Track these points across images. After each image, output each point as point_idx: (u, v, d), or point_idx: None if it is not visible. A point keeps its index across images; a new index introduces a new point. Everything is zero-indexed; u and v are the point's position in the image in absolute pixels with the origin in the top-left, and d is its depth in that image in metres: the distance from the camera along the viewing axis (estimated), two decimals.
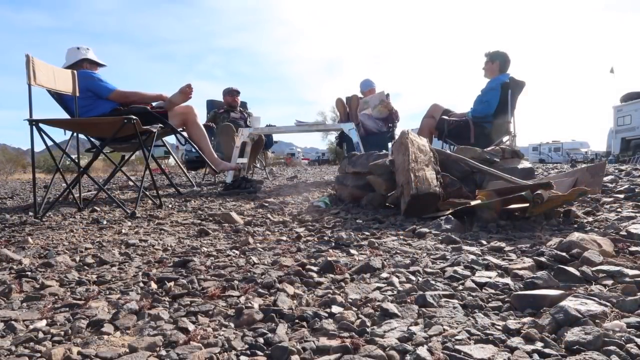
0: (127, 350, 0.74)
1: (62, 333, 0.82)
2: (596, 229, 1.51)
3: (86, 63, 3.56)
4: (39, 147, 2.68)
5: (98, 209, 2.58)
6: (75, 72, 3.07)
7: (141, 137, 2.67)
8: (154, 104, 3.70)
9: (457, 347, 0.69)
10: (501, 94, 4.00)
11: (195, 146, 3.72)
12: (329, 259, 1.23)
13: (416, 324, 0.80)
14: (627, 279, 0.94)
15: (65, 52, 3.59)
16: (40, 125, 2.51)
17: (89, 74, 3.46)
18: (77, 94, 3.06)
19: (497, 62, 4.11)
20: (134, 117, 2.56)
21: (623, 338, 0.68)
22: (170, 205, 2.70)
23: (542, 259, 1.12)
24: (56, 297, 1.05)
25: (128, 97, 3.51)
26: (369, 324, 0.81)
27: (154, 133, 2.84)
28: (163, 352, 0.73)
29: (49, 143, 2.58)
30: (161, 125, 3.07)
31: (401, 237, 1.55)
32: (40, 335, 0.81)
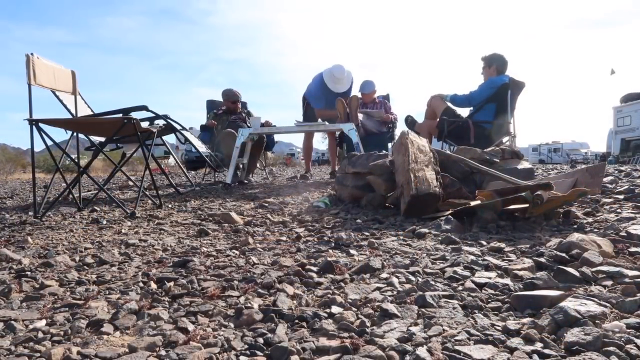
0: (127, 350, 0.74)
1: (62, 333, 0.82)
2: (596, 230, 1.51)
3: None
4: (39, 147, 2.69)
5: (98, 209, 2.58)
6: (74, 71, 3.07)
7: (140, 137, 2.67)
8: None
9: (456, 347, 0.69)
10: (498, 95, 4.01)
11: (195, 145, 3.61)
12: (328, 259, 1.23)
13: (416, 324, 0.80)
14: (627, 280, 0.94)
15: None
16: (40, 125, 2.51)
17: None
18: (77, 94, 3.06)
19: (493, 66, 4.11)
20: (133, 117, 2.56)
21: (622, 339, 0.68)
22: (170, 205, 2.70)
23: (542, 259, 1.12)
24: (56, 297, 1.05)
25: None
26: (368, 324, 0.81)
27: (154, 133, 2.85)
28: (163, 352, 0.73)
29: (49, 143, 2.58)
30: (162, 124, 3.05)
31: (401, 237, 1.55)
32: (40, 335, 0.81)
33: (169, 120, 3.43)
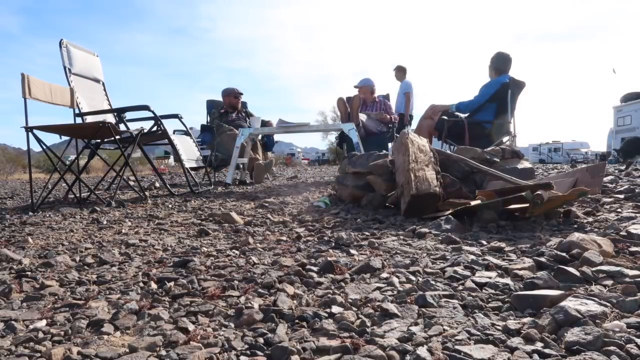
0: (127, 350, 0.74)
1: (62, 333, 0.82)
2: (596, 229, 1.51)
3: None
4: (39, 148, 2.89)
5: (98, 209, 2.58)
6: (72, 88, 3.25)
7: (119, 139, 2.96)
8: None
9: (457, 347, 0.69)
10: (499, 95, 4.01)
11: (175, 151, 3.59)
12: (329, 259, 1.23)
13: (416, 324, 0.80)
14: (627, 279, 0.94)
15: None
16: (35, 131, 2.73)
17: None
18: (74, 107, 3.28)
19: (495, 65, 4.13)
20: (108, 122, 2.77)
21: (623, 338, 0.68)
22: (170, 205, 2.70)
23: (542, 259, 1.12)
24: (56, 297, 1.05)
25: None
26: (369, 324, 0.81)
27: (136, 136, 3.02)
28: (163, 352, 0.73)
29: (45, 146, 2.82)
30: (142, 127, 3.17)
31: (401, 237, 1.55)
32: (40, 335, 0.81)
33: (164, 122, 3.48)
